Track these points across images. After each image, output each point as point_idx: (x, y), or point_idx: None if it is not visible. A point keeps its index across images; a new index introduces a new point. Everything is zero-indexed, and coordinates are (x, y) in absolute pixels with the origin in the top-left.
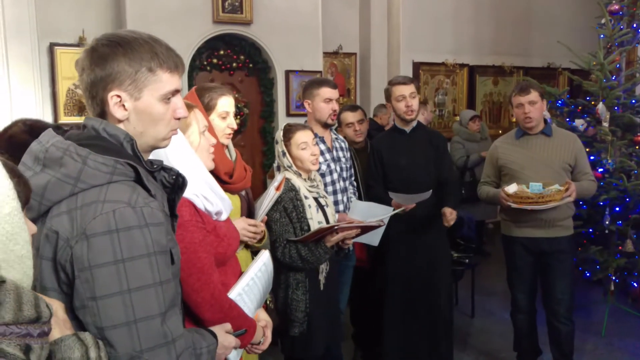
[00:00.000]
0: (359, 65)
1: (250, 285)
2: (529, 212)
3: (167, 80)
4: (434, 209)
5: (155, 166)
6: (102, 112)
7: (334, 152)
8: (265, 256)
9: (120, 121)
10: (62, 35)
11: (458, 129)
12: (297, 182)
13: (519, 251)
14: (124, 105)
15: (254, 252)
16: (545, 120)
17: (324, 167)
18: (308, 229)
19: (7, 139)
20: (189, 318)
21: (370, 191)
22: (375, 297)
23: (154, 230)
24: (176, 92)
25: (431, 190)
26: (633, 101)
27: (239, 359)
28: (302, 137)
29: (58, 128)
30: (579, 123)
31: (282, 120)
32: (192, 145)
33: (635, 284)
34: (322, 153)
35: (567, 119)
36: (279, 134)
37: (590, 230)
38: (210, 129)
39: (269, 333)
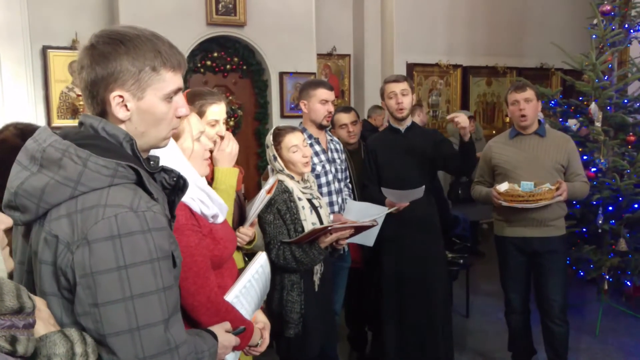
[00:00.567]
0: (353, 67)
1: (248, 288)
2: (520, 212)
3: (170, 79)
4: (429, 209)
5: (152, 163)
6: (103, 112)
7: (329, 154)
8: (262, 258)
9: (121, 121)
10: (55, 38)
11: (454, 130)
12: (290, 184)
13: (511, 251)
14: (126, 106)
15: (247, 254)
16: (539, 121)
17: (319, 168)
18: (302, 231)
19: None
20: (186, 321)
21: (365, 190)
22: (370, 298)
23: (156, 235)
24: (178, 90)
25: (424, 187)
26: (625, 101)
27: None
28: (292, 139)
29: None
30: (572, 123)
31: (276, 122)
32: (185, 151)
33: (628, 282)
34: (317, 154)
35: (560, 119)
36: (269, 138)
37: (584, 229)
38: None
39: (266, 335)
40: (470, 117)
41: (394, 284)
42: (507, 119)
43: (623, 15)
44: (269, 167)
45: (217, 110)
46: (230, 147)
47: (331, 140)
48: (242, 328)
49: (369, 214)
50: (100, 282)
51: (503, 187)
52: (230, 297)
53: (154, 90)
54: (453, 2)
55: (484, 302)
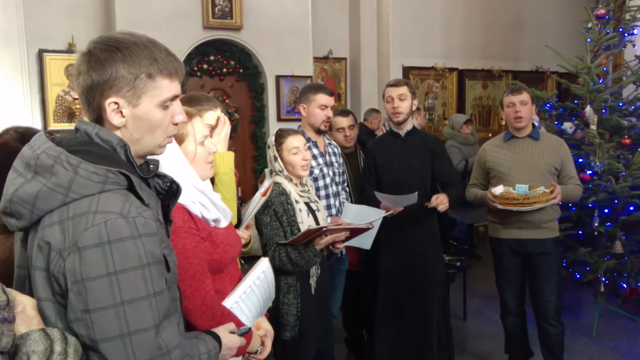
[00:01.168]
0: (349, 70)
1: (248, 294)
2: (514, 214)
3: (167, 87)
4: (426, 212)
5: (152, 167)
6: (99, 118)
7: (327, 157)
8: (264, 264)
9: (117, 128)
10: (52, 42)
11: (451, 133)
12: (288, 186)
13: (506, 253)
14: (121, 112)
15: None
16: (533, 125)
17: (316, 172)
18: (298, 233)
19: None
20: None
21: (363, 193)
22: (367, 301)
23: (147, 241)
24: (175, 97)
25: (417, 193)
26: (620, 104)
27: None
28: (294, 142)
29: (50, 134)
30: (568, 126)
31: (273, 125)
32: (188, 155)
33: (624, 285)
34: (315, 157)
35: (556, 122)
36: (271, 139)
37: (580, 232)
38: None
39: (268, 342)
40: (468, 121)
41: (391, 285)
42: (503, 122)
43: (617, 19)
44: (266, 170)
45: (212, 117)
46: (225, 131)
47: (329, 143)
48: (247, 328)
49: (366, 217)
50: (90, 288)
51: (498, 190)
52: (229, 302)
53: (149, 97)
54: (449, 6)
55: (481, 304)
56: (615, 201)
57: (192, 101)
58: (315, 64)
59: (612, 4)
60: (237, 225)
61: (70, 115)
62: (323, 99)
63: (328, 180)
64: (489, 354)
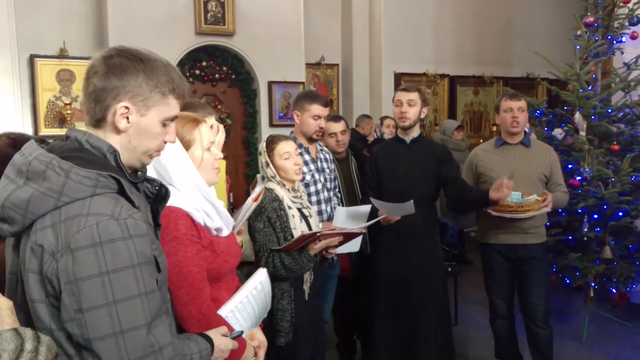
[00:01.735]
0: (341, 76)
1: (244, 303)
2: (506, 220)
3: (174, 106)
4: (427, 219)
5: (140, 174)
6: (102, 118)
7: (319, 163)
8: (262, 275)
9: (118, 131)
10: (43, 47)
11: (442, 139)
12: (281, 192)
13: (495, 257)
14: (128, 118)
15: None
16: (524, 131)
17: (308, 177)
18: (292, 239)
19: None
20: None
21: (365, 198)
22: (360, 306)
23: (137, 242)
24: (175, 118)
25: (412, 201)
26: (609, 110)
27: None
28: (285, 147)
29: (42, 141)
30: (557, 132)
31: (265, 131)
32: (195, 161)
33: (614, 290)
34: (306, 163)
35: (546, 128)
36: (262, 145)
37: (570, 237)
38: None
39: (261, 354)
40: (459, 127)
41: (390, 289)
42: (494, 128)
43: (606, 27)
44: (258, 176)
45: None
46: (219, 138)
47: (321, 150)
48: (239, 331)
49: (356, 219)
50: (83, 288)
51: None
52: (224, 311)
53: (157, 111)
54: (440, 13)
55: (472, 309)
56: (605, 207)
57: (186, 108)
58: (308, 70)
59: (601, 12)
60: None
61: (61, 121)
62: (317, 109)
63: (319, 186)
64: (479, 358)
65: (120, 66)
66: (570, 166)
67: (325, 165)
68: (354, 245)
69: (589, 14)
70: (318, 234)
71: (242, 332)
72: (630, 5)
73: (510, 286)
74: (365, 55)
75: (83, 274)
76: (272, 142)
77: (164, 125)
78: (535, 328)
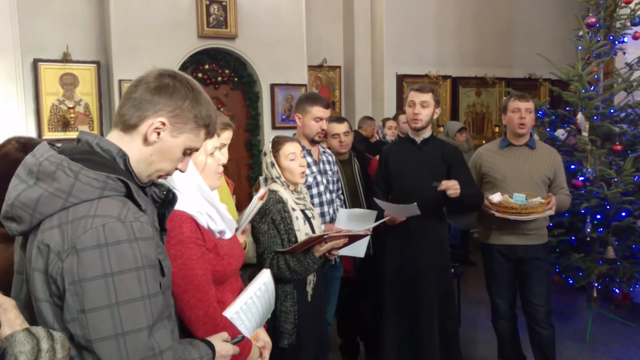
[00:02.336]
0: (344, 78)
1: (249, 305)
2: (507, 221)
3: (201, 140)
4: (435, 220)
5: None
6: (135, 125)
7: (321, 165)
8: (265, 276)
9: (146, 142)
10: (46, 52)
11: (446, 140)
12: (285, 194)
13: (497, 258)
14: (159, 133)
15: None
16: (529, 133)
17: (310, 179)
18: (295, 241)
19: (2, 156)
20: (183, 334)
21: (371, 198)
22: (363, 308)
23: (143, 245)
24: (196, 150)
25: (415, 204)
26: (611, 111)
27: None
28: (291, 148)
29: (52, 144)
30: (560, 133)
31: (268, 133)
32: (198, 165)
33: (617, 290)
34: (309, 166)
35: (548, 129)
36: (268, 146)
37: (573, 237)
38: None
39: (266, 354)
40: (462, 129)
41: (397, 287)
42: (497, 129)
43: (608, 27)
44: (261, 178)
45: (227, 136)
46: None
47: (323, 152)
48: (240, 337)
49: (358, 221)
50: (87, 288)
51: (496, 197)
52: (229, 313)
53: (186, 138)
54: (442, 14)
55: (475, 310)
56: (607, 207)
57: None
58: (310, 73)
59: (603, 13)
60: None
61: (65, 125)
62: (319, 111)
63: (322, 188)
64: (482, 359)
65: (173, 87)
66: (573, 167)
67: (327, 167)
68: (359, 250)
69: (590, 14)
70: (325, 236)
71: (243, 337)
72: (632, 5)
73: (512, 287)
74: (367, 57)
75: (87, 275)
76: (278, 142)
77: (185, 153)
78: (538, 328)
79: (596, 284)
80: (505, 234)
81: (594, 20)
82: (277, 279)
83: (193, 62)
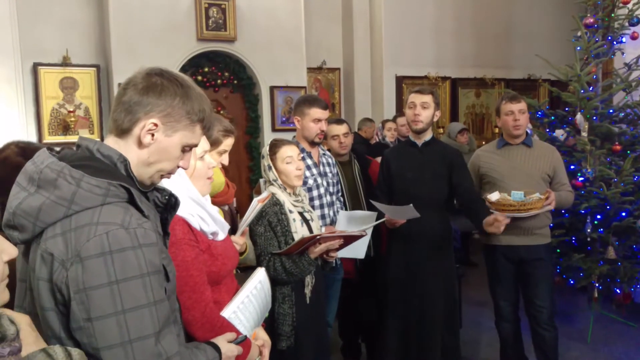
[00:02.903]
0: (343, 80)
1: (246, 303)
2: (510, 220)
3: (198, 135)
4: (438, 223)
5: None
6: (128, 129)
7: (321, 167)
8: (261, 274)
9: (140, 145)
10: (46, 56)
11: (447, 141)
12: (282, 196)
13: (499, 259)
14: (153, 135)
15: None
16: (526, 132)
17: (310, 182)
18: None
19: (1, 161)
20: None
21: (370, 201)
22: (364, 310)
23: (147, 251)
24: (195, 146)
25: (411, 205)
26: (610, 111)
27: None
28: (288, 151)
29: (50, 149)
30: (559, 133)
31: (268, 135)
32: (187, 170)
33: (618, 290)
34: (309, 168)
35: (548, 130)
36: (265, 149)
37: (573, 238)
38: None
39: (266, 352)
40: (463, 130)
41: (399, 289)
42: (497, 130)
43: (606, 28)
44: (261, 180)
45: (229, 143)
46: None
47: (323, 154)
48: (243, 336)
49: (358, 223)
50: (93, 297)
51: (494, 196)
52: (227, 312)
53: (182, 135)
54: (440, 16)
55: (477, 312)
56: (608, 207)
57: (215, 119)
58: (309, 75)
59: (601, 13)
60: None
61: (65, 128)
62: (317, 112)
63: (322, 190)
64: None
65: (161, 85)
66: (572, 167)
67: (327, 169)
68: (359, 252)
69: (588, 15)
70: (318, 237)
71: (245, 336)
72: (630, 5)
73: (515, 288)
74: (366, 59)
75: (92, 283)
76: (275, 145)
77: (183, 150)
78: (540, 330)
79: (597, 285)
80: (508, 234)
81: (592, 20)
82: (275, 281)
83: (192, 65)
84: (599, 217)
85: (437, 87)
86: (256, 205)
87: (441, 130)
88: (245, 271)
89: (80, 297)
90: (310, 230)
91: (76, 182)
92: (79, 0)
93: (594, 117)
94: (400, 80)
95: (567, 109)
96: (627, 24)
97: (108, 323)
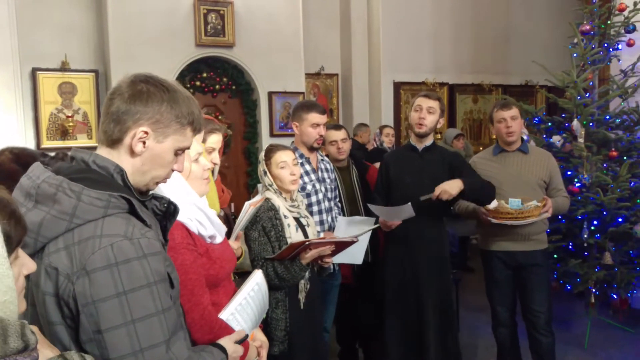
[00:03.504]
0: (341, 86)
1: (244, 305)
2: (507, 227)
3: (189, 138)
4: (434, 226)
5: (149, 193)
6: (119, 139)
7: (319, 173)
8: (258, 276)
9: (133, 154)
10: (45, 61)
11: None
12: (277, 201)
13: (497, 265)
14: (144, 142)
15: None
16: (522, 138)
17: (309, 187)
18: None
19: None
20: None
21: (373, 204)
22: (362, 315)
23: (152, 260)
24: (187, 149)
25: (410, 204)
26: (607, 117)
27: None
28: (282, 156)
29: (44, 156)
30: (556, 139)
31: (266, 141)
32: (183, 173)
33: (615, 295)
34: (307, 173)
35: (544, 136)
36: (261, 154)
37: (570, 243)
38: None
39: (264, 353)
40: (459, 135)
41: (397, 293)
42: (494, 136)
43: (602, 35)
44: (259, 185)
45: (216, 140)
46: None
47: (322, 160)
48: (245, 336)
49: (357, 229)
50: (101, 309)
51: (492, 204)
52: (225, 314)
53: (173, 140)
54: (438, 22)
55: (474, 317)
56: (604, 213)
57: None
58: (307, 80)
59: (597, 20)
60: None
61: (64, 133)
62: (315, 117)
63: (320, 196)
64: None
65: (147, 92)
66: (569, 173)
67: (326, 175)
68: (357, 257)
69: (585, 22)
70: (307, 243)
71: (247, 335)
72: (625, 13)
73: (512, 294)
74: (364, 65)
75: (100, 295)
76: (270, 151)
77: (176, 154)
78: (538, 335)
79: (594, 290)
80: (505, 239)
81: (588, 27)
82: (268, 286)
83: (191, 71)
84: (595, 222)
85: (435, 93)
86: (248, 208)
87: (438, 136)
88: (242, 276)
89: (89, 309)
90: (306, 236)
91: (76, 195)
92: (78, 6)
93: (591, 124)
94: (398, 86)
95: (563, 115)
96: (623, 31)
97: (118, 334)
